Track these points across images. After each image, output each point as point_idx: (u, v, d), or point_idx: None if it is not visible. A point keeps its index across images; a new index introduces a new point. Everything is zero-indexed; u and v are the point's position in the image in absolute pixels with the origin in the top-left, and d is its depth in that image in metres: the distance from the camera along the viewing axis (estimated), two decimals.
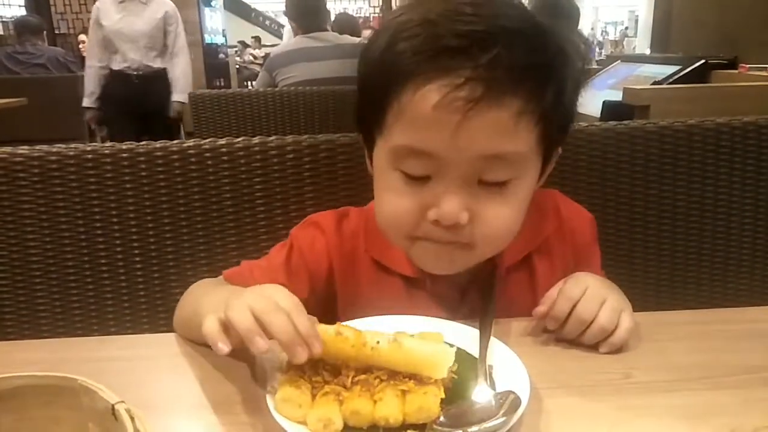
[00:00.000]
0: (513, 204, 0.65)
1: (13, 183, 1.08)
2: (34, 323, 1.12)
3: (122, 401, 0.37)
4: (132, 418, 0.36)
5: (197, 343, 0.71)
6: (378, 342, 0.54)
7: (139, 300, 1.14)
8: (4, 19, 8.15)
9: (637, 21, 11.86)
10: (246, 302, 0.55)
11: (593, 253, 0.83)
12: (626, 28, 14.53)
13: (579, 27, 3.06)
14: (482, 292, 0.72)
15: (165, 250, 1.12)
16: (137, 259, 1.12)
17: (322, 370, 0.55)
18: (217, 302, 0.60)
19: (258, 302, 0.55)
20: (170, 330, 0.80)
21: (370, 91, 0.67)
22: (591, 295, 0.67)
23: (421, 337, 0.61)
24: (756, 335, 0.70)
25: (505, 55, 0.58)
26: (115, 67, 3.67)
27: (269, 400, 0.53)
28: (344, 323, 0.64)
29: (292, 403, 0.52)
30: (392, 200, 0.66)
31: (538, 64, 0.61)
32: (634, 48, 10.12)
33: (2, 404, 0.41)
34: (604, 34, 14.51)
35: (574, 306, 0.66)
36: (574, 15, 3.06)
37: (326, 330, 0.55)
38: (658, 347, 0.68)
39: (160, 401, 0.38)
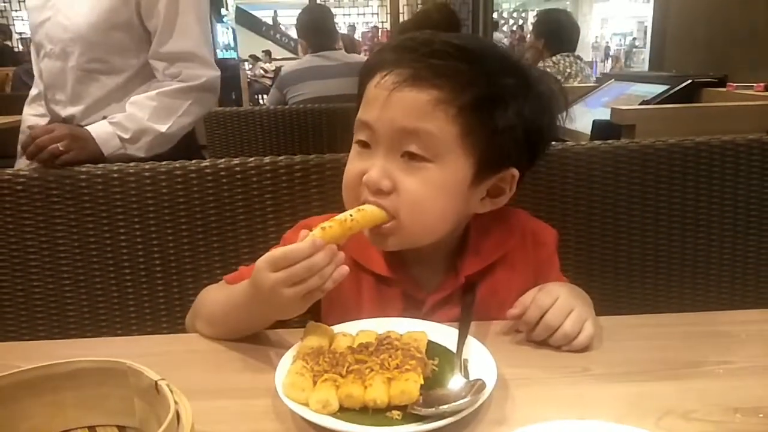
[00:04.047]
0: (428, 187, 0.77)
1: (47, 200, 1.19)
2: (64, 325, 1.23)
3: (163, 378, 0.47)
4: (171, 392, 0.46)
5: (225, 339, 0.81)
6: (351, 215, 0.74)
7: (159, 306, 1.24)
8: (23, 36, 8.34)
9: (646, 32, 11.82)
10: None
11: (554, 262, 0.93)
12: (634, 38, 14.51)
13: (578, 46, 3.14)
14: (463, 299, 0.82)
15: (183, 261, 1.22)
16: (158, 269, 1.22)
17: (322, 361, 0.65)
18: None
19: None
20: (186, 331, 0.90)
21: (359, 90, 0.84)
22: (560, 305, 0.76)
23: (408, 336, 0.71)
24: (705, 336, 0.79)
25: (433, 54, 0.76)
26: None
27: (277, 385, 0.63)
28: (341, 325, 0.77)
29: (297, 388, 0.61)
30: (348, 167, 0.82)
31: (461, 70, 0.75)
32: (643, 59, 10.11)
33: (65, 383, 0.52)
34: (607, 48, 14.47)
35: (544, 314, 0.76)
36: (573, 33, 3.16)
37: (314, 232, 0.70)
38: (616, 346, 0.77)
39: (185, 389, 0.47)
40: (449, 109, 0.75)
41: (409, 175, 0.77)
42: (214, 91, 1.62)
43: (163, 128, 1.51)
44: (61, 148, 1.22)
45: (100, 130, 1.43)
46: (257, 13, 11.85)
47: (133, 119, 1.48)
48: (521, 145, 0.80)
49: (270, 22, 12.10)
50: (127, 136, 1.46)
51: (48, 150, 1.21)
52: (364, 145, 0.80)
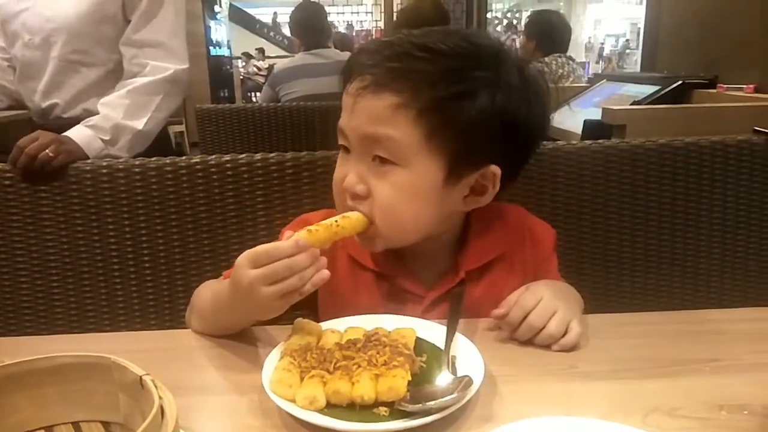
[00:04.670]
0: (399, 191, 0.77)
1: (35, 195, 1.19)
2: (51, 321, 1.22)
3: (148, 373, 0.47)
4: (156, 387, 0.46)
5: (214, 335, 0.81)
6: (336, 221, 0.75)
7: (148, 303, 1.23)
8: None
9: (639, 33, 11.83)
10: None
11: (552, 261, 0.93)
12: (627, 40, 14.54)
13: (569, 46, 3.15)
14: (452, 296, 0.82)
15: (173, 257, 1.22)
16: (147, 266, 1.22)
17: (310, 358, 0.65)
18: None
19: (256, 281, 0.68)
20: (174, 327, 0.90)
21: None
22: (543, 306, 0.76)
23: (397, 333, 0.71)
24: (693, 334, 0.79)
25: (393, 58, 0.76)
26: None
27: (265, 382, 0.63)
28: (328, 321, 0.77)
29: (284, 384, 0.61)
30: (335, 170, 0.83)
31: (422, 71, 0.75)
32: (635, 60, 10.15)
33: (48, 378, 0.51)
34: (601, 49, 14.50)
35: (527, 314, 0.76)
36: (565, 34, 3.17)
37: (300, 234, 0.70)
38: (603, 344, 0.77)
39: (172, 385, 0.47)
40: (409, 112, 0.74)
41: (380, 180, 0.78)
42: (182, 83, 1.61)
43: (139, 125, 1.51)
44: (50, 155, 1.21)
45: (80, 134, 1.41)
46: (252, 11, 11.80)
47: (108, 119, 1.47)
48: (496, 139, 0.78)
49: (268, 21, 12.05)
50: (107, 138, 1.46)
51: (39, 159, 1.21)
52: (345, 149, 0.82)
